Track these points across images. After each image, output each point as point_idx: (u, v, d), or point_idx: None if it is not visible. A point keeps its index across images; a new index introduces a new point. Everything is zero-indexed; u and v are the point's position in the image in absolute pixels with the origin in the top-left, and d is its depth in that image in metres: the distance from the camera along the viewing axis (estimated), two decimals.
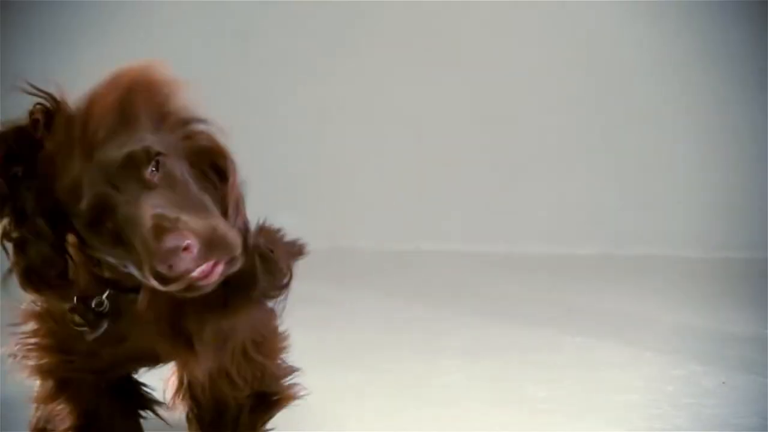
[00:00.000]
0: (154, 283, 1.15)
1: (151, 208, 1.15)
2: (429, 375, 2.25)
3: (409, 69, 4.46)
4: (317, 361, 2.31)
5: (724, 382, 2.16)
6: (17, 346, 1.44)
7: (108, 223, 1.17)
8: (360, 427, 1.85)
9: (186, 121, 1.27)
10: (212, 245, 1.15)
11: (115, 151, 1.17)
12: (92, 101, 1.22)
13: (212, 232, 1.15)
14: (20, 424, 1.71)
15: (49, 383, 1.46)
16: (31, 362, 1.43)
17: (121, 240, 1.17)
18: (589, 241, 4.33)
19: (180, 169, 1.22)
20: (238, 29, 4.53)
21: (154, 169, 1.18)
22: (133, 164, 1.18)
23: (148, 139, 1.20)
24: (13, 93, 1.24)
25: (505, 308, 3.08)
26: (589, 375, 2.28)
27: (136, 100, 1.23)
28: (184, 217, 1.14)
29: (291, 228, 1.47)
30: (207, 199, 1.22)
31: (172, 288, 1.15)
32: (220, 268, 1.16)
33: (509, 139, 4.41)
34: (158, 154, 1.19)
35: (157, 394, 1.61)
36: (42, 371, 1.43)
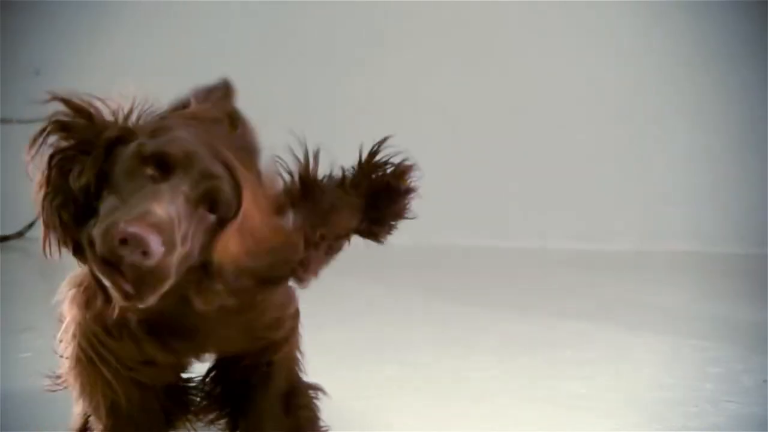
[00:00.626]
0: (94, 238, 1.11)
1: (168, 205, 1.11)
2: (464, 371, 2.24)
3: (448, 67, 4.46)
4: (353, 355, 2.33)
5: (765, 381, 2.12)
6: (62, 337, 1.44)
7: (146, 169, 1.15)
8: (395, 422, 1.85)
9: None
10: (144, 279, 1.10)
11: (214, 159, 1.17)
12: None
13: (156, 270, 1.10)
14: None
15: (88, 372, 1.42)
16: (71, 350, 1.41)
17: (125, 190, 1.15)
18: (621, 237, 4.30)
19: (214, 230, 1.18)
20: (274, 26, 4.55)
21: (209, 209, 1.16)
22: (211, 188, 1.16)
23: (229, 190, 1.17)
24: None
25: (540, 304, 3.07)
26: (624, 371, 2.26)
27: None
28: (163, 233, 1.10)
29: None
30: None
31: (92, 259, 1.12)
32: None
33: (543, 137, 4.40)
34: (223, 216, 1.17)
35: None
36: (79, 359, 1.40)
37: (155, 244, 1.07)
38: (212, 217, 1.17)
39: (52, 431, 1.67)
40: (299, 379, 1.52)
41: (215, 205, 1.17)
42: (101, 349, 1.36)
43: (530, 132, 4.41)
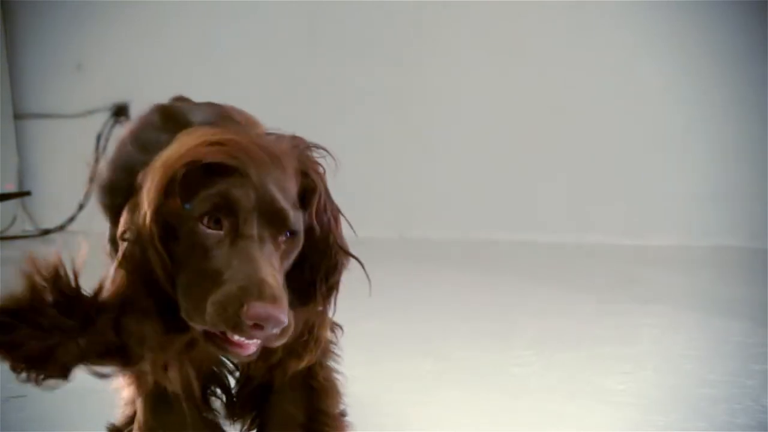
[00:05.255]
0: (212, 324, 1.11)
1: (270, 267, 1.13)
2: (502, 365, 2.22)
3: (485, 63, 4.44)
4: (391, 349, 2.32)
5: None
6: None
7: (222, 223, 1.14)
8: (431, 417, 1.84)
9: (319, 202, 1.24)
10: (282, 335, 1.13)
11: (272, 188, 1.16)
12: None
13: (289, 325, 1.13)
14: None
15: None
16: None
17: (204, 258, 1.13)
18: (662, 233, 4.26)
19: (296, 247, 1.20)
20: (307, 23, 4.57)
21: (287, 236, 1.18)
22: (279, 217, 1.16)
23: (292, 211, 1.18)
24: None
25: (580, 298, 3.04)
26: (666, 367, 2.22)
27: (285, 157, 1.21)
28: (286, 303, 1.12)
29: None
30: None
31: (216, 341, 1.13)
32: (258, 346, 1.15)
33: (584, 133, 4.36)
34: (295, 232, 1.19)
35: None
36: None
37: (284, 317, 1.10)
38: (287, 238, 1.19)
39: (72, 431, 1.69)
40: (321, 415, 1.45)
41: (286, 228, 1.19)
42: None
43: (571, 128, 4.38)
